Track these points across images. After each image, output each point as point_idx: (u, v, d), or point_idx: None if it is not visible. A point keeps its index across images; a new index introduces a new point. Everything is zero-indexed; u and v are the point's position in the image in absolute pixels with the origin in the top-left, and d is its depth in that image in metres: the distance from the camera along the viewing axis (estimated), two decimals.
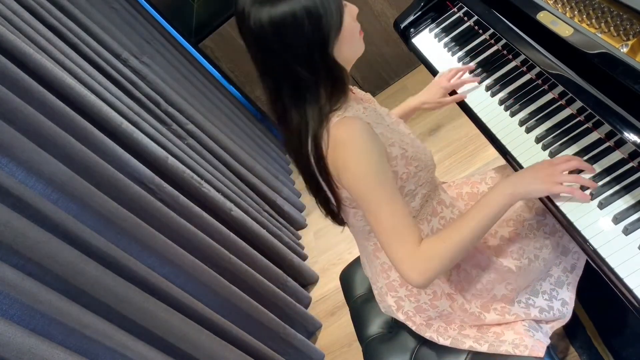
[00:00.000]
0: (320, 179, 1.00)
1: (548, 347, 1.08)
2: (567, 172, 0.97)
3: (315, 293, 2.33)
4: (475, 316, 1.11)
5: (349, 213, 1.08)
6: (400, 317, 1.15)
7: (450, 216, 1.12)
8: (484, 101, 1.26)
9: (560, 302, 1.14)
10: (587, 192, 0.96)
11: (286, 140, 1.03)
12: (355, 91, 1.13)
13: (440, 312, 1.12)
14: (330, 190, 1.01)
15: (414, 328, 1.14)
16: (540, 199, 1.02)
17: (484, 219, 0.95)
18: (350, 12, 0.96)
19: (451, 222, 1.02)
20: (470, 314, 1.10)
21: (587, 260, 1.13)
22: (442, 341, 1.11)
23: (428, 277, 0.93)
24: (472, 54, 1.36)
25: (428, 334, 1.13)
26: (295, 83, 0.94)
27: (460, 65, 1.37)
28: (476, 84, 1.30)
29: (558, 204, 0.98)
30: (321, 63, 0.92)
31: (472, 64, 1.33)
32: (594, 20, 1.00)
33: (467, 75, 1.34)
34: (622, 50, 0.93)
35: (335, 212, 1.09)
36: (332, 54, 0.93)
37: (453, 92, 1.34)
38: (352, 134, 0.92)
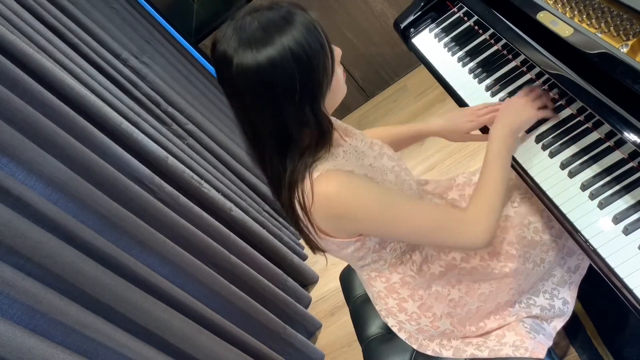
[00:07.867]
0: (303, 225, 0.96)
1: (549, 349, 1.08)
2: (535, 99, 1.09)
3: (315, 293, 2.33)
4: (476, 327, 1.11)
5: (336, 251, 1.03)
6: (402, 336, 1.16)
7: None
8: (484, 102, 1.26)
9: (562, 301, 1.14)
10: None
11: (268, 182, 0.98)
12: (336, 126, 1.06)
13: (442, 332, 1.11)
14: (312, 237, 0.98)
15: (415, 346, 1.14)
16: (540, 199, 1.02)
17: (504, 165, 1.01)
18: (338, 57, 0.90)
19: (478, 183, 1.01)
20: (469, 326, 1.11)
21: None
22: (445, 353, 1.12)
23: (492, 232, 0.96)
24: (472, 54, 1.35)
25: (430, 348, 1.13)
26: (279, 137, 0.89)
27: (460, 65, 1.37)
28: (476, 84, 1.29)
29: (558, 204, 0.98)
30: (312, 117, 0.86)
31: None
32: (594, 20, 1.00)
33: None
34: (622, 50, 0.93)
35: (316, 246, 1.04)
36: (323, 107, 0.88)
37: (484, 129, 1.20)
38: (338, 188, 0.88)
